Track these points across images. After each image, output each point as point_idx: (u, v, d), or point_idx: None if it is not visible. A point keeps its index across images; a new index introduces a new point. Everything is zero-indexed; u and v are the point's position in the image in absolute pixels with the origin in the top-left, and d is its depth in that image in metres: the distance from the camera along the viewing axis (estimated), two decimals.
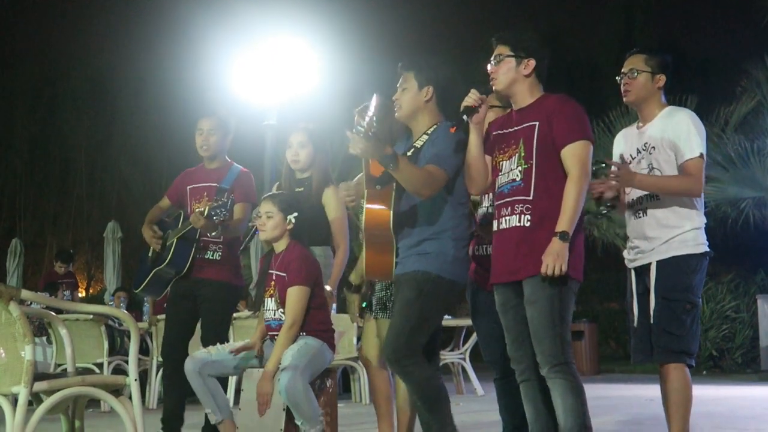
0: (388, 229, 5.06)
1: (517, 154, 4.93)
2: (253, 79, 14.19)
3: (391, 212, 5.06)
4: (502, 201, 5.00)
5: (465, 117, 4.97)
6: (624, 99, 5.52)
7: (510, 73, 5.02)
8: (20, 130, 33.99)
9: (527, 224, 4.84)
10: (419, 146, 5.23)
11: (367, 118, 4.89)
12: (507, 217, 4.94)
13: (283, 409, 5.66)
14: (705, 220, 5.42)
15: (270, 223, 6.04)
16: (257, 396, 5.80)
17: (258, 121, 14.11)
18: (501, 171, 5.03)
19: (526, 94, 5.04)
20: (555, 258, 4.66)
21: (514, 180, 4.93)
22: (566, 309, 4.81)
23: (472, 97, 4.97)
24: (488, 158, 5.12)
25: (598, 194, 5.31)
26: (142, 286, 7.08)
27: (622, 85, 5.54)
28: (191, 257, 6.84)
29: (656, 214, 5.36)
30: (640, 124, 5.54)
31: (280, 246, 6.09)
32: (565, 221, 4.71)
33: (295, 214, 6.08)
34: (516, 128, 5.00)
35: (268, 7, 18.66)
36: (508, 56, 5.03)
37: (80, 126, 33.93)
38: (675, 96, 14.40)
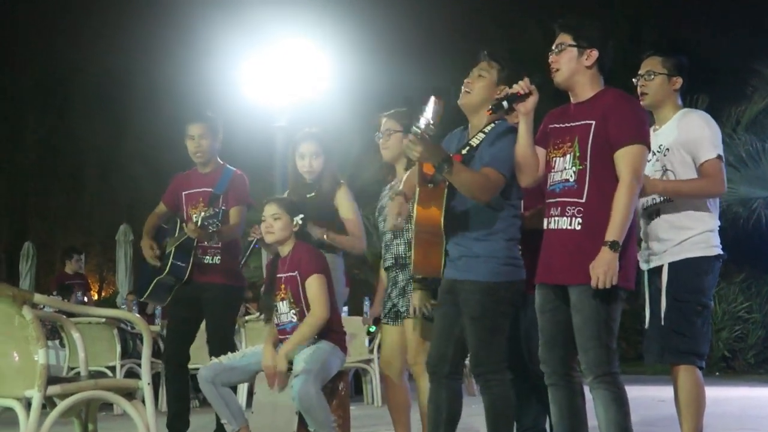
0: (439, 228, 5.01)
1: (571, 153, 4.76)
2: (263, 81, 14.19)
3: (443, 212, 5.00)
4: (552, 200, 4.84)
5: (506, 104, 4.78)
6: (641, 102, 5.46)
7: (571, 64, 4.83)
8: (31, 131, 34.02)
9: (578, 227, 4.71)
10: (475, 144, 5.13)
11: (423, 120, 4.78)
12: (556, 218, 4.79)
13: (296, 413, 5.65)
14: (718, 223, 5.41)
15: (278, 224, 6.03)
16: (265, 368, 5.82)
17: (268, 123, 14.12)
18: (554, 168, 4.86)
19: (586, 87, 4.86)
20: (605, 270, 4.52)
21: (567, 180, 4.77)
22: (613, 319, 4.69)
23: (521, 85, 4.78)
24: (543, 151, 4.95)
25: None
26: (146, 294, 7.14)
27: (638, 87, 5.51)
28: (190, 264, 6.87)
29: (669, 216, 5.35)
30: (656, 127, 5.52)
31: (285, 249, 6.08)
32: (615, 230, 4.57)
33: (301, 216, 6.07)
34: (572, 124, 4.83)
35: (279, 9, 18.65)
36: (570, 45, 4.83)
37: (91, 127, 33.93)
38: (686, 96, 14.28)
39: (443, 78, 16.41)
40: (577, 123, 4.80)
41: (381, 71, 21.89)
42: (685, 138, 5.33)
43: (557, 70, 4.86)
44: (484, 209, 5.06)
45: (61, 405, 4.72)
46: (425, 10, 28.15)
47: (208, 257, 6.94)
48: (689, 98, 15.21)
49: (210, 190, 6.98)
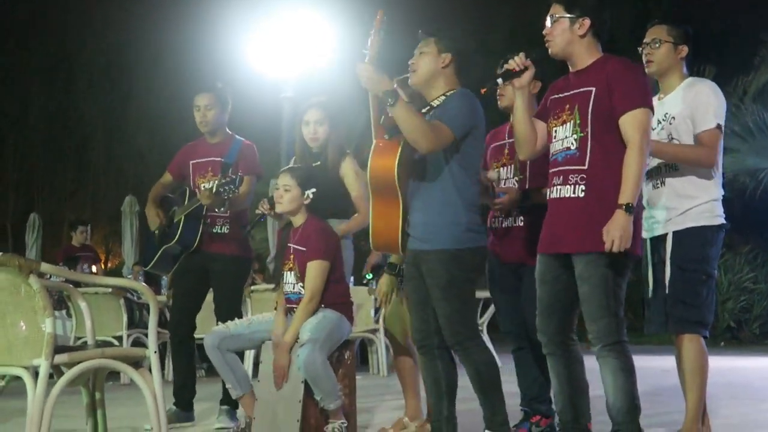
0: (393, 181, 4.96)
1: (572, 121, 4.73)
2: (270, 52, 14.19)
3: (397, 164, 4.95)
4: (555, 169, 4.82)
5: (500, 81, 4.80)
6: (646, 69, 5.44)
7: (565, 34, 4.79)
8: (37, 106, 34.01)
9: (581, 194, 4.66)
10: (435, 105, 5.13)
11: (370, 39, 4.78)
12: (559, 187, 4.76)
13: (302, 382, 5.67)
14: (722, 192, 5.40)
15: (287, 197, 6.00)
16: (273, 369, 5.81)
17: (275, 94, 14.11)
18: (555, 137, 4.84)
19: (584, 56, 4.81)
20: (621, 233, 4.47)
21: (568, 148, 4.73)
22: (621, 287, 4.66)
23: (516, 61, 4.80)
24: (543, 125, 4.96)
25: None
26: (151, 264, 7.14)
27: (644, 56, 5.50)
28: (200, 233, 6.88)
29: (674, 184, 5.34)
30: (661, 95, 5.52)
31: (298, 220, 6.07)
32: (629, 191, 4.51)
33: (313, 189, 6.04)
34: (571, 92, 4.80)
35: None
36: (562, 16, 4.79)
37: (96, 101, 33.94)
38: (693, 67, 14.26)
39: None
40: (576, 91, 4.77)
41: (388, 42, 21.81)
42: (690, 106, 5.31)
43: (551, 41, 4.83)
44: (442, 175, 5.05)
45: (69, 373, 4.73)
46: None
47: (217, 227, 6.95)
48: (696, 68, 15.24)
49: (219, 159, 6.98)
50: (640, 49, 5.53)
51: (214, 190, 6.54)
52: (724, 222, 5.36)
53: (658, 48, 5.46)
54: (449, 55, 5.18)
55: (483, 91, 4.87)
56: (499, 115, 5.98)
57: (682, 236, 5.28)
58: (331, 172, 6.33)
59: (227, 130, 7.17)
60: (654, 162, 5.35)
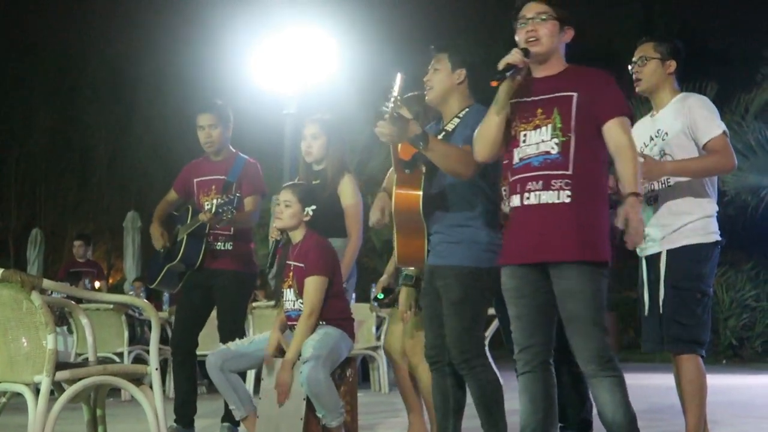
0: (418, 213, 4.99)
1: (550, 126, 4.52)
2: (272, 68, 14.20)
3: (421, 196, 4.98)
4: (530, 173, 4.55)
5: (508, 74, 4.55)
6: (636, 88, 5.46)
7: (553, 38, 4.60)
8: (40, 119, 34.11)
9: (567, 200, 4.44)
10: (451, 129, 5.15)
11: (391, 99, 4.75)
12: (537, 192, 4.50)
13: (304, 399, 5.67)
14: (717, 209, 5.38)
15: (287, 212, 6.03)
16: (276, 386, 5.81)
17: (278, 110, 14.12)
18: (524, 142, 4.58)
19: (558, 61, 4.66)
20: (641, 218, 4.36)
21: (548, 152, 4.50)
22: (604, 300, 4.50)
23: (517, 56, 4.55)
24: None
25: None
26: (157, 281, 7.15)
27: (633, 75, 5.51)
28: (202, 252, 6.89)
29: (668, 201, 5.32)
30: (654, 112, 5.52)
31: (296, 236, 6.09)
32: (635, 181, 4.40)
33: (313, 207, 6.08)
34: (545, 96, 4.59)
35: None
36: (552, 20, 4.60)
37: (99, 115, 34.02)
38: (695, 83, 14.31)
39: None
40: (552, 95, 4.57)
41: (390, 59, 21.86)
42: (684, 122, 5.31)
43: (536, 39, 4.59)
44: (463, 195, 5.06)
45: (70, 390, 4.73)
46: None
47: (219, 243, 6.96)
48: (698, 85, 15.24)
49: (222, 177, 6.99)
50: (629, 67, 5.53)
51: (213, 210, 6.56)
52: (719, 239, 5.34)
53: (646, 65, 5.46)
54: (463, 71, 5.19)
55: (494, 83, 4.61)
56: None
57: (675, 254, 5.26)
58: (329, 190, 6.35)
59: (231, 147, 7.19)
60: (656, 177, 5.33)
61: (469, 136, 4.90)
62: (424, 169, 5.03)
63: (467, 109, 5.18)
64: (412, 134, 4.79)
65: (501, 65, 4.56)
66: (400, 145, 5.05)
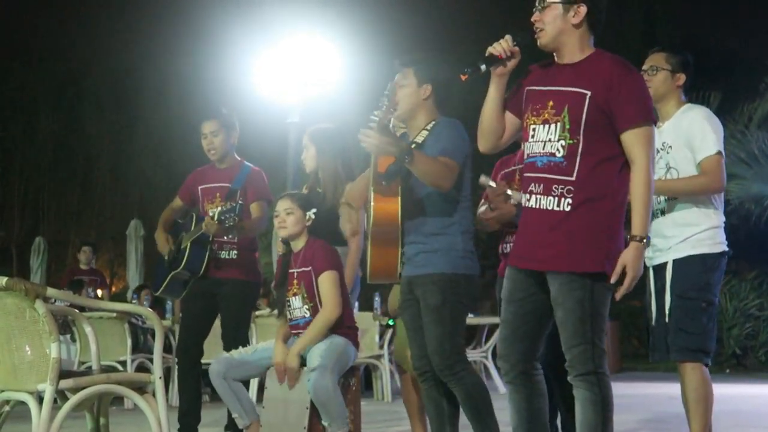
0: (396, 225, 4.98)
1: (558, 124, 4.23)
2: (275, 77, 14.19)
3: (401, 209, 4.97)
4: (533, 174, 4.33)
5: (484, 67, 4.33)
6: None
7: (557, 22, 4.27)
8: (43, 127, 34.06)
9: (567, 209, 4.20)
10: (420, 141, 5.11)
11: (382, 108, 4.77)
12: (538, 196, 4.29)
13: (307, 407, 5.66)
14: (724, 219, 5.40)
15: (290, 219, 6.05)
16: (276, 365, 5.84)
17: (281, 119, 14.12)
18: (532, 137, 4.33)
19: (575, 49, 4.31)
20: (639, 268, 4.17)
21: (552, 155, 4.24)
22: (600, 313, 4.24)
23: (502, 46, 4.34)
24: (511, 116, 4.51)
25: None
26: (161, 289, 7.16)
27: None
28: (206, 259, 6.89)
29: (674, 213, 5.34)
30: (659, 123, 5.52)
31: (298, 244, 6.10)
32: (642, 222, 4.16)
33: (314, 210, 6.10)
34: (558, 88, 4.29)
35: (291, 5, 18.66)
36: (554, 2, 4.28)
37: (103, 123, 33.99)
38: (698, 92, 14.31)
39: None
40: (565, 88, 4.28)
41: (394, 67, 21.87)
42: (686, 134, 5.31)
43: (541, 29, 4.33)
44: (438, 204, 5.05)
45: (74, 398, 4.73)
46: (438, 6, 28.12)
47: (224, 252, 6.97)
48: (702, 95, 15.24)
49: (227, 185, 7.01)
50: None
51: (215, 218, 6.56)
52: (726, 249, 5.35)
53: (655, 75, 5.46)
54: (429, 86, 5.16)
55: (464, 77, 4.37)
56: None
57: (682, 264, 5.27)
58: (327, 199, 6.35)
59: (236, 156, 7.19)
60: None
61: (444, 147, 4.93)
62: (399, 180, 4.98)
63: (434, 122, 5.16)
64: (400, 147, 4.77)
65: (486, 54, 4.39)
66: (379, 158, 4.98)
